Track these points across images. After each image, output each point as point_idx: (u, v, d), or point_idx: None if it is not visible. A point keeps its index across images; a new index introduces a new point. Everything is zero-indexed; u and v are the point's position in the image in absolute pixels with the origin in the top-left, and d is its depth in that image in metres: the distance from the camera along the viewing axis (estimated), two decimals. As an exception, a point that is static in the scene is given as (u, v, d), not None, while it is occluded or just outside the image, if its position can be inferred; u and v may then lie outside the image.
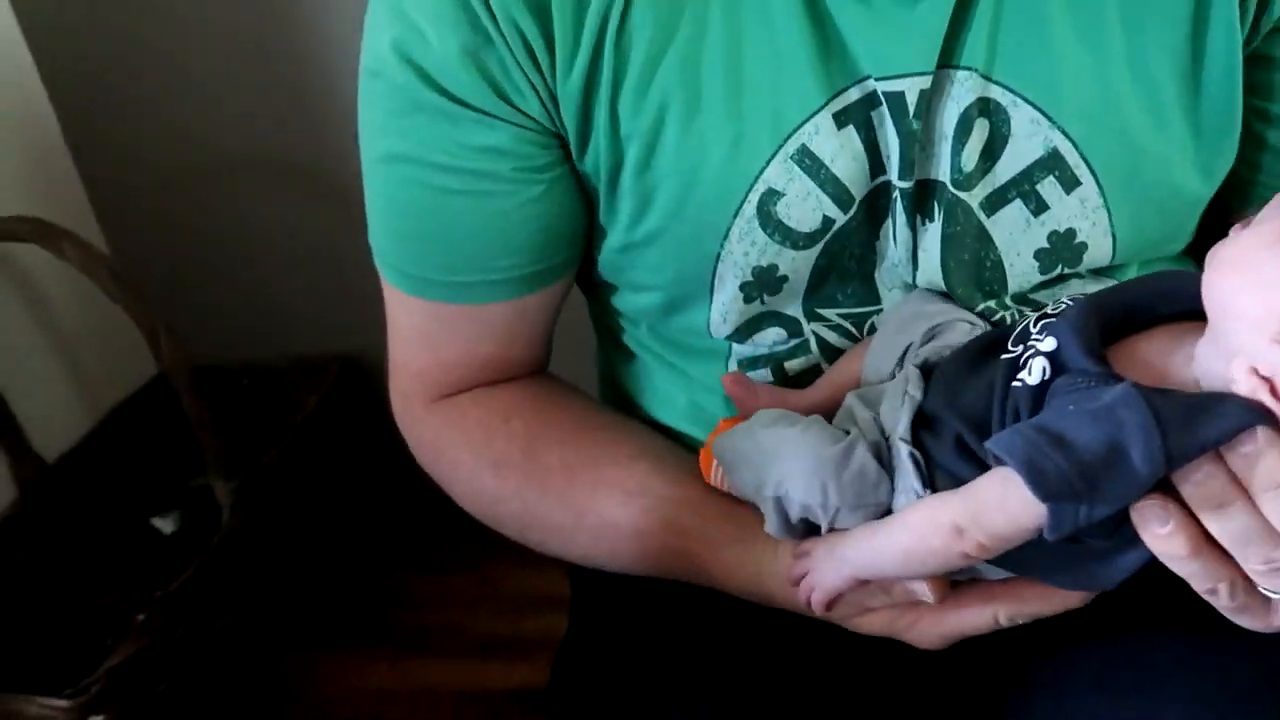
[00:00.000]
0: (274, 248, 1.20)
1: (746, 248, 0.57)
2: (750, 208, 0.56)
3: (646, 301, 0.63)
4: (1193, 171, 0.56)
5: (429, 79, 0.55)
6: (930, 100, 0.53)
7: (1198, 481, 0.42)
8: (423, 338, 0.65)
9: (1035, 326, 0.47)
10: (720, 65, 0.54)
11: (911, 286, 0.58)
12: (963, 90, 0.53)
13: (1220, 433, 0.41)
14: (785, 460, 0.53)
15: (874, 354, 0.57)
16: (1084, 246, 0.57)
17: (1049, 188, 0.55)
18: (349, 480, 1.20)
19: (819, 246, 0.57)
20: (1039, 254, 0.57)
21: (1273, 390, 0.40)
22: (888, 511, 0.51)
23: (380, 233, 0.63)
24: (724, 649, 0.64)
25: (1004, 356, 0.47)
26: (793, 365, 0.63)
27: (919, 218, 0.56)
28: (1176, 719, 0.56)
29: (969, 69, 0.53)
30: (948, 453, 0.49)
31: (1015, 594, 0.52)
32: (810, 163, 0.55)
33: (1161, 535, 0.43)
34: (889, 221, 0.57)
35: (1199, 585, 0.44)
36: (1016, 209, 0.56)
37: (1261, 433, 0.41)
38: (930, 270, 0.57)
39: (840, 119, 0.54)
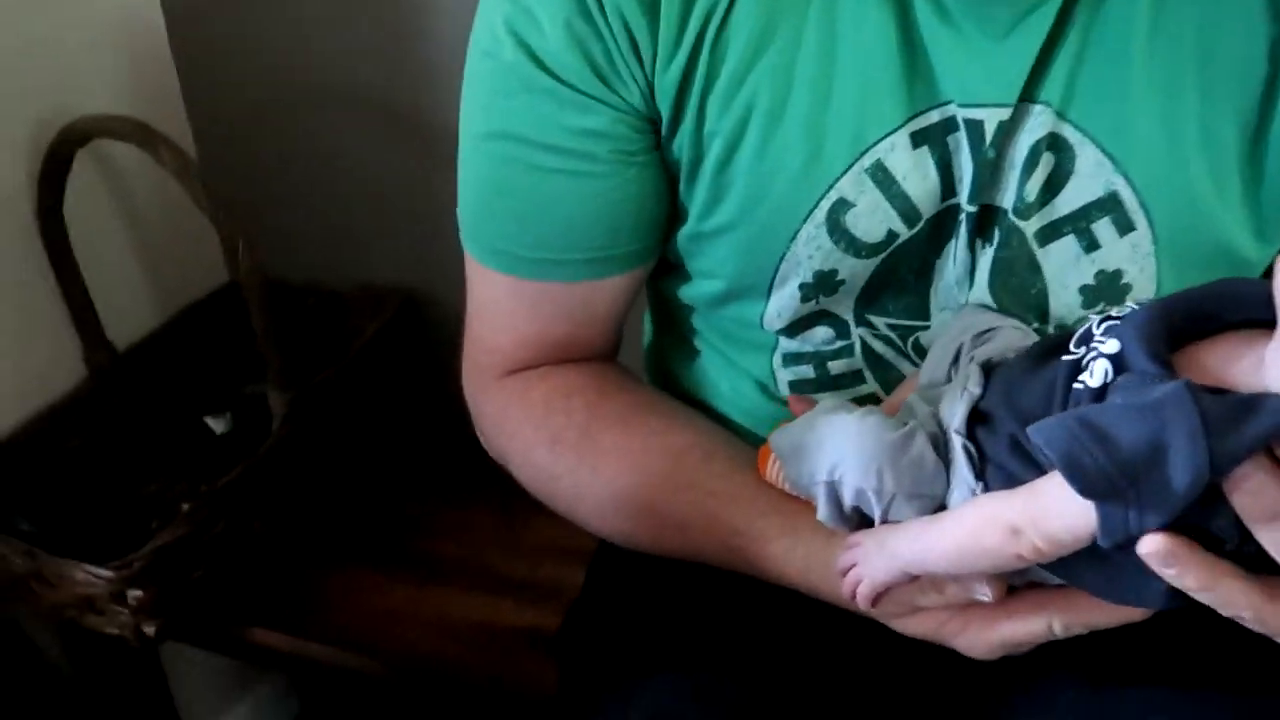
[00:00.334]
0: (354, 180, 1.23)
1: (811, 251, 0.59)
2: (820, 215, 0.58)
3: (708, 289, 0.65)
4: (1247, 236, 0.57)
5: (537, 59, 0.57)
6: (1007, 131, 0.55)
7: (1250, 490, 0.39)
8: (502, 313, 0.67)
9: (1099, 328, 0.45)
10: (809, 78, 0.55)
11: (962, 307, 0.60)
12: (1036, 124, 0.55)
13: (1268, 429, 0.38)
14: (841, 445, 0.53)
15: (930, 362, 0.58)
16: (1129, 288, 0.58)
17: (1103, 228, 0.56)
18: (395, 409, 1.24)
19: (881, 257, 0.59)
20: (1084, 289, 0.58)
21: None
22: (942, 507, 0.50)
23: (472, 209, 0.65)
24: (735, 627, 0.66)
25: (1065, 358, 0.46)
26: (835, 365, 0.65)
27: (979, 241, 0.58)
28: None
29: (1045, 104, 0.54)
30: (1002, 450, 0.47)
31: (1072, 604, 0.50)
32: (883, 177, 0.56)
33: (1169, 574, 0.41)
34: (952, 242, 0.58)
35: (1223, 612, 0.43)
36: (1069, 243, 0.57)
37: None
38: (980, 293, 0.59)
39: (917, 139, 0.56)
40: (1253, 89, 0.54)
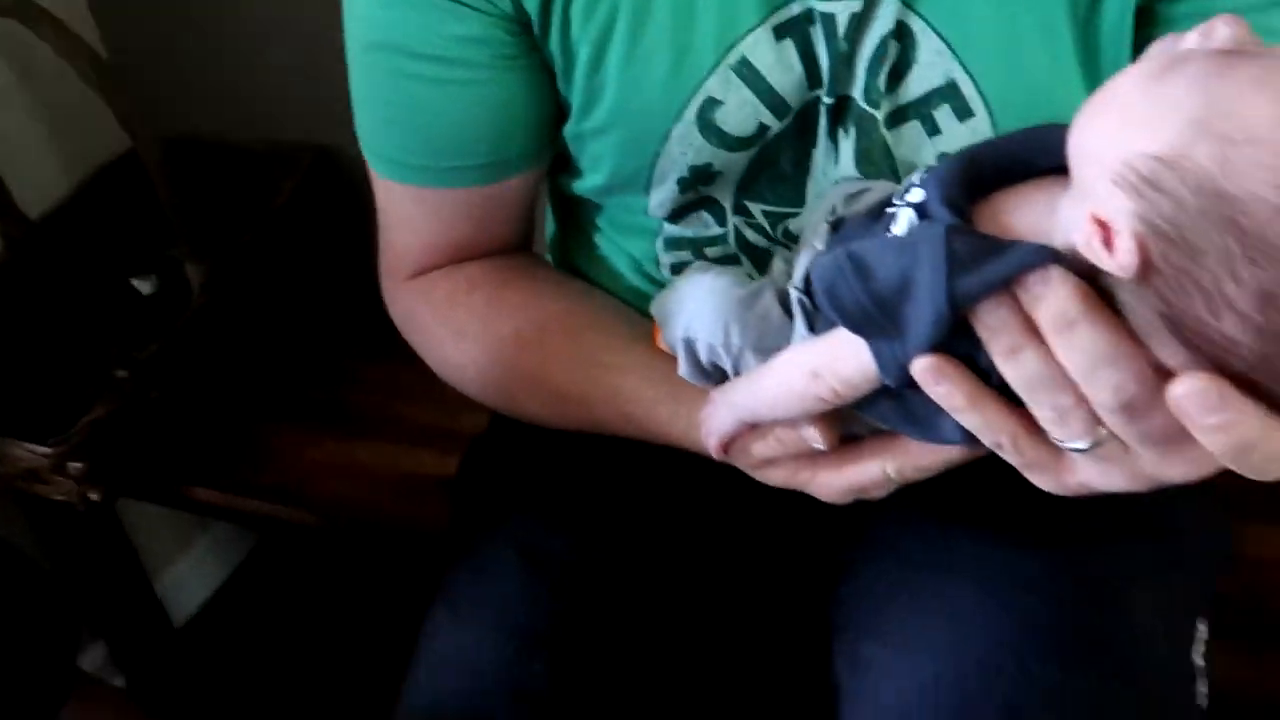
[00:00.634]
0: (264, 34, 1.21)
1: (685, 149, 0.61)
2: (690, 114, 0.59)
3: (594, 182, 0.67)
4: None
5: None
6: (859, 23, 0.56)
7: (990, 326, 0.41)
8: (405, 219, 0.69)
9: (917, 179, 0.46)
10: None
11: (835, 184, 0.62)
12: (886, 14, 0.56)
13: (1007, 270, 0.39)
14: (695, 304, 0.55)
15: (808, 227, 0.59)
16: None
17: (944, 115, 0.59)
18: (313, 267, 1.26)
19: (754, 150, 0.61)
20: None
21: (1106, 239, 0.37)
22: None
23: (365, 120, 0.66)
24: (621, 477, 0.71)
25: (888, 210, 0.46)
26: (712, 252, 0.67)
27: (840, 130, 0.60)
28: (963, 594, 0.63)
29: None
30: None
31: (901, 448, 0.52)
32: (749, 73, 0.58)
33: (939, 392, 0.43)
34: (819, 132, 0.60)
35: (984, 439, 0.45)
36: (915, 128, 0.59)
37: (1055, 273, 0.39)
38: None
39: (779, 32, 0.57)
40: None
